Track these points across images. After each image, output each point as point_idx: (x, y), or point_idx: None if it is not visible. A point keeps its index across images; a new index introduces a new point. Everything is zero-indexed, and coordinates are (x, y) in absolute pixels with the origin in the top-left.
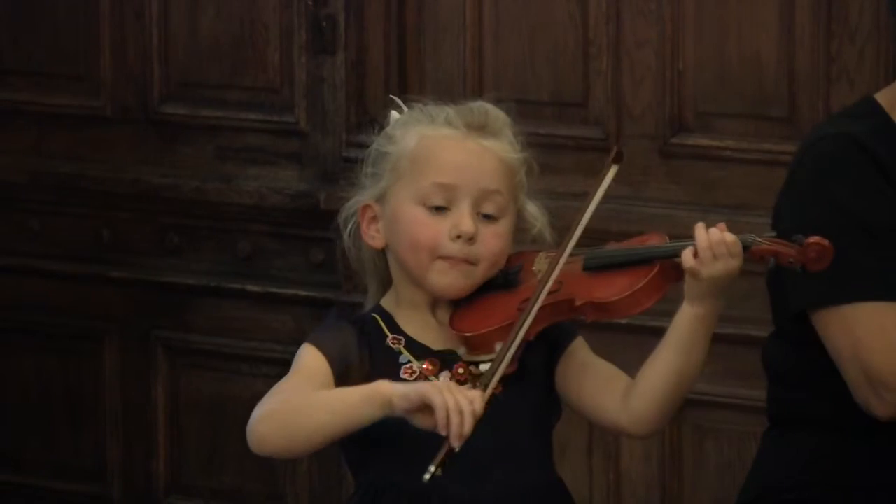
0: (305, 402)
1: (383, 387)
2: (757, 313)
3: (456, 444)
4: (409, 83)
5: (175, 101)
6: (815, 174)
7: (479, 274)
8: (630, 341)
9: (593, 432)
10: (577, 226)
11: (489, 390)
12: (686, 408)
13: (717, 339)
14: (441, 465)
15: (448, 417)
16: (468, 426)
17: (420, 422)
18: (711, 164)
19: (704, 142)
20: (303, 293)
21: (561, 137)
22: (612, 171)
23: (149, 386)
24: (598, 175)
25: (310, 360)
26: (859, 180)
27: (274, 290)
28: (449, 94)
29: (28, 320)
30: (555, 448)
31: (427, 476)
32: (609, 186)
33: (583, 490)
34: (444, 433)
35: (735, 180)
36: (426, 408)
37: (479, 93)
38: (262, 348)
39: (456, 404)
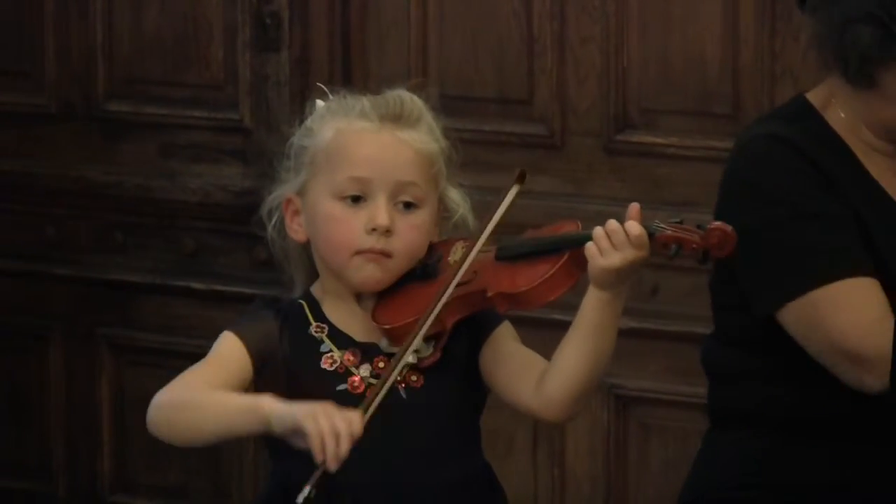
0: (196, 400)
1: (265, 404)
2: (702, 311)
3: (332, 467)
4: (354, 80)
5: (119, 99)
6: (749, 175)
7: (397, 266)
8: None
9: (538, 429)
10: (484, 230)
11: (370, 410)
12: (631, 404)
13: (662, 337)
14: (317, 485)
15: (323, 443)
16: (344, 449)
17: (299, 443)
18: (656, 161)
19: (649, 139)
20: (247, 290)
21: (505, 134)
22: (514, 191)
23: (93, 383)
24: (502, 193)
25: (227, 347)
26: (795, 175)
27: (219, 287)
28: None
29: None
30: (499, 443)
31: (300, 499)
32: (513, 201)
33: (528, 487)
34: (319, 459)
35: (680, 177)
36: (302, 432)
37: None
38: (206, 345)
39: (331, 429)
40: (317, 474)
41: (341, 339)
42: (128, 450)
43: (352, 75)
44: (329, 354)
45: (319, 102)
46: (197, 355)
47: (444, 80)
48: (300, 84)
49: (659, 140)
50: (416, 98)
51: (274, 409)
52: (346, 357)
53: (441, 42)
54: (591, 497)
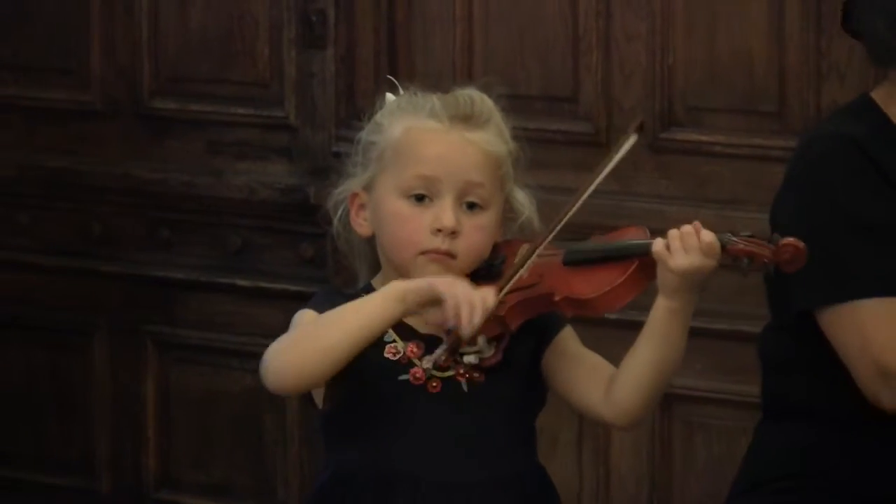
0: (319, 323)
1: (396, 283)
2: (749, 308)
3: (466, 332)
4: (399, 78)
5: (165, 96)
6: (811, 174)
7: (461, 266)
8: (617, 336)
9: (583, 426)
10: (566, 212)
11: (505, 290)
12: (676, 403)
13: (707, 335)
14: (449, 351)
15: (458, 308)
16: (478, 318)
17: (431, 317)
18: (702, 159)
19: (695, 137)
20: (292, 287)
21: (551, 132)
22: (632, 140)
23: (138, 380)
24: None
25: (312, 319)
26: (856, 179)
27: (264, 284)
28: (439, 89)
29: (17, 314)
30: (544, 441)
31: (429, 365)
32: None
33: (573, 484)
34: (451, 324)
35: (725, 175)
36: (437, 302)
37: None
38: (251, 342)
39: (467, 297)
40: (449, 340)
41: (405, 331)
42: (172, 446)
43: (397, 72)
44: (392, 344)
45: (389, 96)
46: (241, 352)
47: (489, 77)
48: (346, 81)
49: (705, 138)
50: (486, 98)
51: (407, 283)
52: (409, 348)
53: (486, 39)
54: (636, 495)
